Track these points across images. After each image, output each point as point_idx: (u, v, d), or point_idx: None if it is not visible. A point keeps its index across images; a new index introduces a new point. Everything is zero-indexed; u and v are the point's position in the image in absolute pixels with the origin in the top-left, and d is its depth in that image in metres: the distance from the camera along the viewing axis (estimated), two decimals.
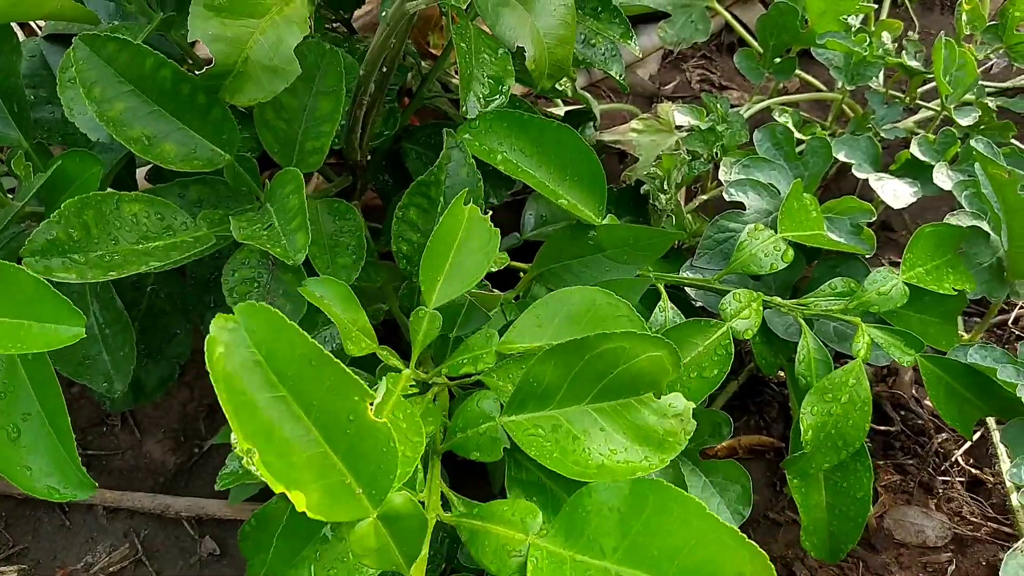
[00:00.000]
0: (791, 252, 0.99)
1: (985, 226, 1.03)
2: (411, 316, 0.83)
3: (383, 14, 0.87)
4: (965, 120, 1.27)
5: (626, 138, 1.36)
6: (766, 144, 1.18)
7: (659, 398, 0.70)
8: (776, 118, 1.30)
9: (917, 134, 1.32)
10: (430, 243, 0.83)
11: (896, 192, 1.18)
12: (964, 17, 1.35)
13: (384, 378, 0.66)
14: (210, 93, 0.82)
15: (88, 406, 1.21)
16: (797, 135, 1.28)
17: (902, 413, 1.22)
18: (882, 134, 1.34)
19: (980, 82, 1.34)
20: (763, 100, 1.41)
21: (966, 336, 1.17)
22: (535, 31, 0.92)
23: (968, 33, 1.38)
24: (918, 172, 1.23)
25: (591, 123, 1.32)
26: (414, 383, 0.84)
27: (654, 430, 0.70)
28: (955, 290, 0.95)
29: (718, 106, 1.30)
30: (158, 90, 0.82)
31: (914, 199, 1.19)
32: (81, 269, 0.74)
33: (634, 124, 1.37)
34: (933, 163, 1.24)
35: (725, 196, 1.08)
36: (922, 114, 1.44)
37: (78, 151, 0.88)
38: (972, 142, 1.02)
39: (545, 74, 0.95)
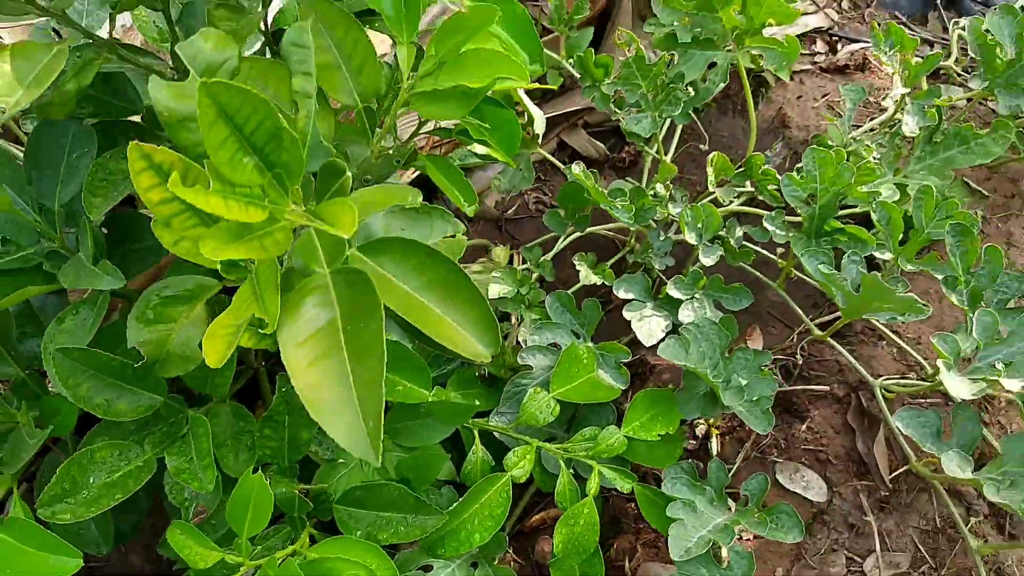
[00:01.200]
0: (558, 408, 1.45)
1: (697, 364, 1.50)
2: None
3: None
4: (708, 260, 1.72)
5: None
6: (555, 305, 1.63)
7: None
8: (575, 262, 1.74)
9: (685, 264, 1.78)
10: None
11: (651, 331, 1.64)
12: (712, 170, 1.79)
13: None
14: (146, 370, 1.25)
15: None
16: (592, 278, 1.72)
17: None
18: (656, 265, 1.79)
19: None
20: (574, 233, 1.84)
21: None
22: None
23: (720, 179, 1.82)
24: (672, 307, 1.69)
25: None
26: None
27: None
28: (659, 435, 1.43)
29: (530, 256, 1.74)
30: (111, 371, 1.24)
31: (663, 334, 1.65)
32: (74, 509, 1.18)
33: (474, 267, 1.80)
34: (684, 299, 1.70)
35: (519, 360, 1.53)
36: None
37: (58, 397, 1.30)
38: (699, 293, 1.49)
39: None
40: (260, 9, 1.20)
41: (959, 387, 1.37)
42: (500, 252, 1.79)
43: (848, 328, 1.83)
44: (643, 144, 1.87)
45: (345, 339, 0.75)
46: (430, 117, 1.13)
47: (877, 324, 1.77)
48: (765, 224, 1.67)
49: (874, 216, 1.64)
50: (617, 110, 1.79)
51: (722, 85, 1.82)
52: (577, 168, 1.67)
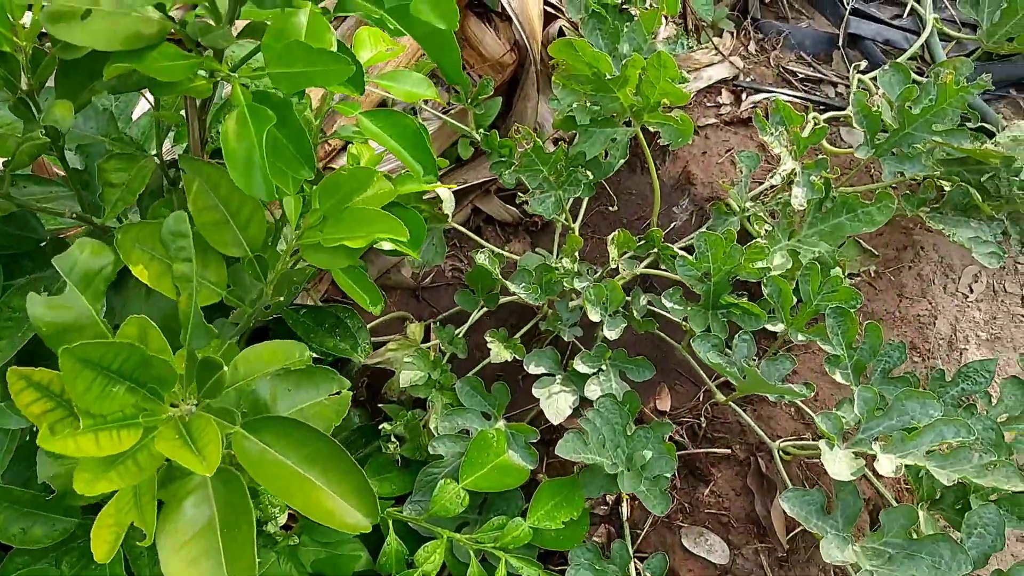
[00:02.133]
0: (468, 499, 1.52)
1: (597, 457, 1.58)
2: None
3: None
4: (612, 334, 1.79)
5: (384, 358, 1.84)
6: (465, 389, 1.69)
7: None
8: (487, 339, 1.81)
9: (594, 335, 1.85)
10: None
11: (559, 409, 1.72)
12: (614, 247, 1.86)
13: None
14: (58, 499, 1.29)
15: None
16: (503, 355, 1.79)
17: None
18: (565, 337, 1.86)
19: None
20: (480, 312, 1.91)
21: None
22: None
23: (622, 252, 1.89)
24: (581, 381, 1.77)
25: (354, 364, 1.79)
26: None
27: None
28: (563, 522, 1.51)
29: (443, 335, 1.80)
30: (25, 502, 1.28)
31: (571, 410, 1.72)
32: None
33: (390, 345, 1.85)
34: (591, 372, 1.78)
35: (430, 450, 1.59)
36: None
37: None
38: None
39: None
40: (154, 153, 1.24)
41: (839, 468, 1.46)
42: (415, 329, 1.85)
43: None
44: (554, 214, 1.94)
45: (223, 541, 0.81)
46: (318, 265, 1.18)
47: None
48: (664, 301, 1.75)
49: (765, 290, 1.73)
50: (522, 194, 1.86)
51: (622, 160, 1.89)
52: (482, 257, 1.73)
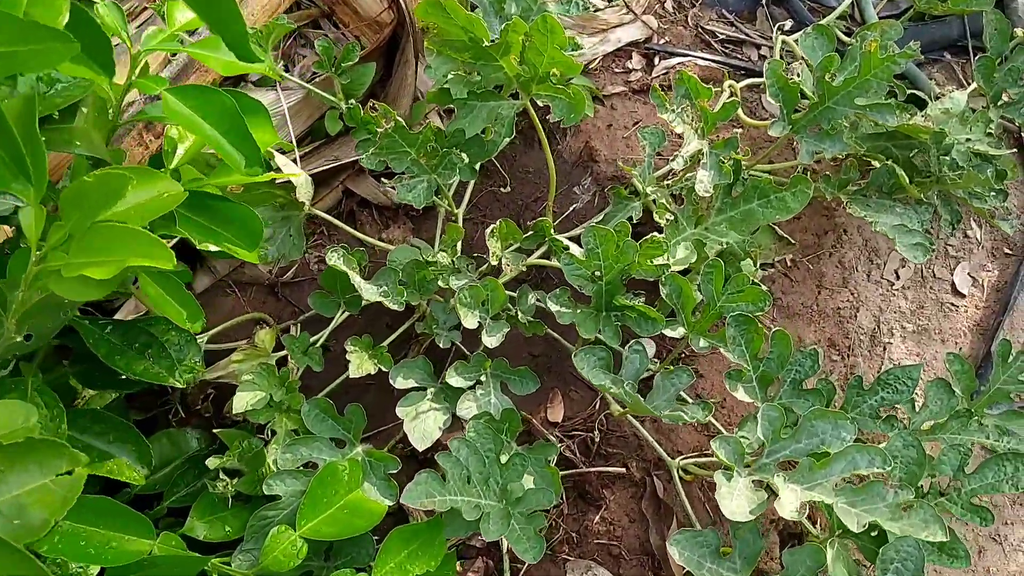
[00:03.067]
0: (306, 549, 1.29)
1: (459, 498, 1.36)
2: None
3: None
4: (492, 341, 1.56)
5: (228, 371, 1.59)
6: (313, 413, 1.45)
7: None
8: (347, 348, 1.56)
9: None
10: None
11: (426, 432, 1.49)
12: (495, 240, 1.62)
13: None
14: None
15: None
16: (365, 368, 1.55)
17: None
18: (441, 343, 1.63)
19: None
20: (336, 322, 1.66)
21: None
22: None
23: (506, 245, 1.65)
24: (454, 397, 1.54)
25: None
26: None
27: None
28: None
29: (295, 346, 1.55)
30: None
31: (440, 434, 1.50)
32: None
33: (235, 356, 1.60)
34: (467, 386, 1.55)
35: (264, 489, 1.36)
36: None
37: None
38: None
39: None
40: None
41: (736, 505, 1.26)
42: (264, 336, 1.59)
43: None
44: (433, 197, 1.69)
45: None
46: (66, 296, 0.92)
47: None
48: (550, 303, 1.52)
49: (663, 290, 1.51)
50: (386, 180, 1.60)
51: (507, 139, 1.65)
52: (334, 257, 1.48)
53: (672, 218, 1.64)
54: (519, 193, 1.96)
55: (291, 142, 1.75)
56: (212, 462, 1.39)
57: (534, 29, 1.48)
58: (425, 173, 1.59)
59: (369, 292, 1.45)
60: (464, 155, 1.54)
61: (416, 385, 1.56)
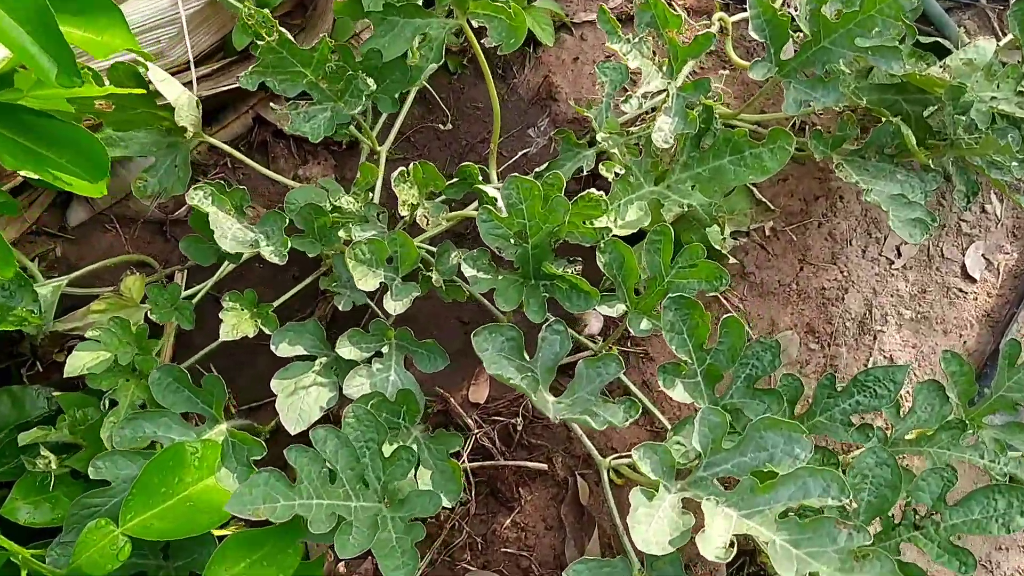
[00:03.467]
0: (129, 548, 1.06)
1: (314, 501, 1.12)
2: None
3: None
4: (397, 305, 1.31)
5: (85, 323, 1.36)
6: (164, 383, 1.21)
7: None
8: (223, 303, 1.32)
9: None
10: None
11: (302, 413, 1.25)
12: (409, 187, 1.36)
13: None
14: None
15: None
16: (243, 330, 1.30)
17: None
18: (340, 304, 1.38)
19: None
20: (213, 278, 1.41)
21: None
22: None
23: (427, 193, 1.39)
24: (345, 371, 1.30)
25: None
26: None
27: None
28: None
29: (160, 300, 1.31)
30: None
31: (321, 413, 1.26)
32: None
33: (95, 305, 1.36)
34: (361, 360, 1.31)
35: (90, 471, 1.13)
36: None
37: None
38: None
39: None
40: None
41: (651, 535, 1.01)
42: (132, 284, 1.35)
43: None
44: (353, 130, 1.43)
45: None
46: None
47: (623, 379, 1.41)
48: (464, 267, 1.27)
49: (601, 259, 1.25)
50: (275, 106, 1.34)
51: (435, 65, 1.37)
52: (198, 196, 1.23)
53: (623, 172, 1.36)
54: (464, 131, 1.69)
55: (188, 55, 1.49)
56: (25, 437, 1.16)
57: None
58: (328, 100, 1.32)
59: (231, 240, 1.20)
60: (370, 81, 1.28)
61: (305, 354, 1.31)
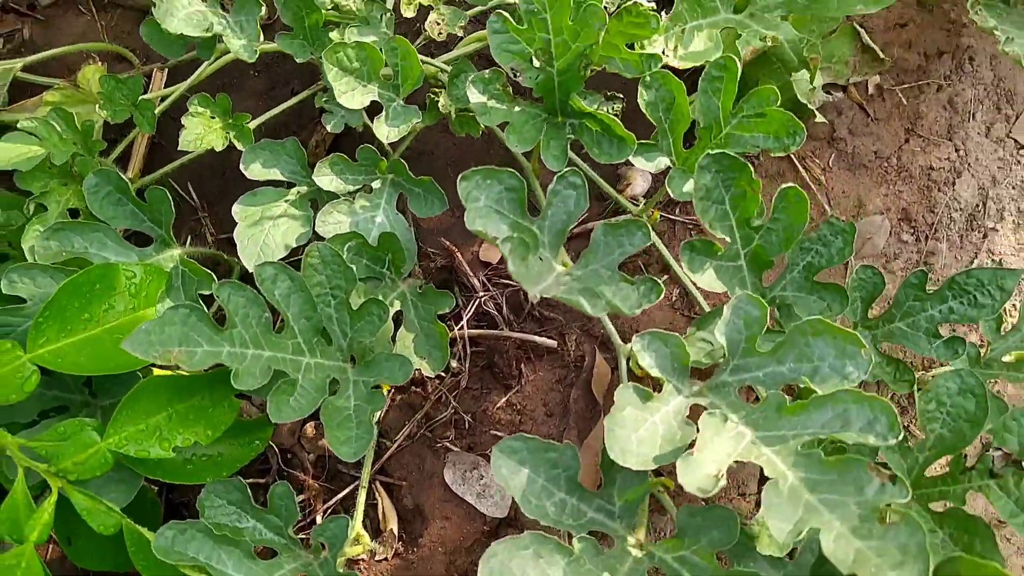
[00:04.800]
0: (37, 379, 0.91)
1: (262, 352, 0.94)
2: None
3: None
4: (391, 132, 1.09)
5: (35, 113, 1.17)
6: (102, 191, 1.02)
7: None
8: (189, 108, 1.11)
9: None
10: None
11: (266, 247, 1.06)
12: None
13: None
14: None
15: None
16: (210, 142, 1.10)
17: None
18: (329, 127, 1.15)
19: None
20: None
21: None
22: None
23: None
24: (325, 203, 1.09)
25: None
26: None
27: None
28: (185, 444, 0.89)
29: (119, 92, 1.11)
30: None
31: (285, 252, 1.06)
32: None
33: (47, 95, 1.18)
34: (343, 193, 1.10)
35: (3, 286, 0.96)
36: None
37: None
38: None
39: None
40: None
41: (635, 443, 0.80)
42: (90, 74, 1.16)
43: None
44: None
45: None
46: None
47: (664, 253, 1.16)
48: (470, 92, 1.02)
49: (644, 96, 0.98)
50: None
51: None
52: None
53: None
54: None
55: None
56: None
57: None
58: None
59: (180, 20, 0.98)
60: None
61: (280, 178, 1.11)
